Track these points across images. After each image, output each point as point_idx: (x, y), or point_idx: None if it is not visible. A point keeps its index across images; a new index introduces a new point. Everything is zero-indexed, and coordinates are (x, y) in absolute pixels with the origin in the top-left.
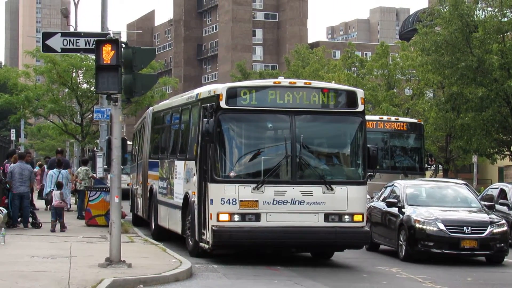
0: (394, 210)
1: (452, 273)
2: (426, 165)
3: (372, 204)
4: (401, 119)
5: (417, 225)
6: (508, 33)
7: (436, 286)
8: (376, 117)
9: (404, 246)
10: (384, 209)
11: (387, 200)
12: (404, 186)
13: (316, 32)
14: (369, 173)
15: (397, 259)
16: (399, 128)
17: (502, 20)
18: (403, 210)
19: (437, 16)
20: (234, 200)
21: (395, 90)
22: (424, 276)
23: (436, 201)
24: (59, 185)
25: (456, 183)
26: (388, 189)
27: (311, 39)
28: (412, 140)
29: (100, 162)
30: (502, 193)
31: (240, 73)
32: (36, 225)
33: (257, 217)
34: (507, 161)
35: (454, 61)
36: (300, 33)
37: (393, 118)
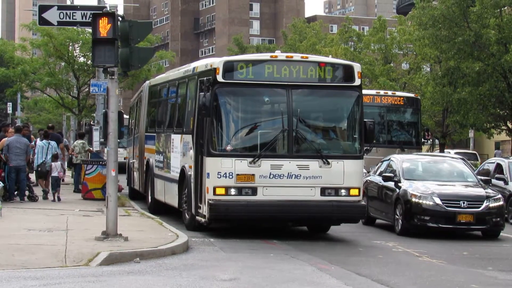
0: (391, 184)
1: (448, 247)
2: (422, 140)
3: (368, 178)
4: (398, 93)
5: (414, 199)
6: (506, 7)
7: (432, 260)
8: (373, 92)
9: (400, 220)
10: (381, 184)
11: (384, 174)
12: (400, 161)
13: (313, 6)
14: (366, 148)
15: (393, 233)
16: (396, 103)
17: None
18: (399, 184)
19: None
20: (230, 174)
21: (392, 65)
22: (420, 250)
23: (433, 175)
24: (56, 157)
25: (453, 157)
26: (385, 164)
27: (308, 13)
28: (409, 114)
29: (96, 136)
30: (499, 168)
31: (237, 47)
32: (33, 198)
33: (254, 191)
34: (503, 135)
35: (451, 35)
36: (297, 7)
37: (390, 93)
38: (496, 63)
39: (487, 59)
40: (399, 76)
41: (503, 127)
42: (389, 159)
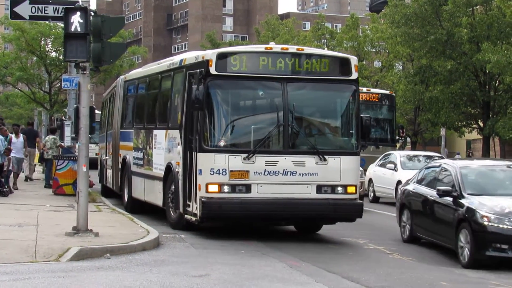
0: (448, 200)
1: (418, 245)
2: (397, 137)
3: (407, 188)
4: (373, 90)
5: (486, 223)
6: (478, 6)
7: (402, 258)
8: None
9: (467, 249)
10: (431, 198)
11: (439, 188)
12: (457, 168)
13: (286, 3)
14: (361, 144)
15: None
16: (371, 99)
17: None
18: (461, 201)
19: None
20: (224, 170)
21: (364, 62)
22: (391, 247)
23: (498, 187)
24: (9, 150)
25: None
26: (430, 171)
27: (281, 10)
28: (384, 111)
29: (68, 131)
30: None
31: (210, 44)
32: (3, 193)
33: (248, 188)
34: (474, 134)
35: (424, 34)
36: (270, 4)
37: (364, 89)
38: (467, 61)
39: (459, 57)
40: (371, 74)
41: (474, 126)
42: (440, 165)
